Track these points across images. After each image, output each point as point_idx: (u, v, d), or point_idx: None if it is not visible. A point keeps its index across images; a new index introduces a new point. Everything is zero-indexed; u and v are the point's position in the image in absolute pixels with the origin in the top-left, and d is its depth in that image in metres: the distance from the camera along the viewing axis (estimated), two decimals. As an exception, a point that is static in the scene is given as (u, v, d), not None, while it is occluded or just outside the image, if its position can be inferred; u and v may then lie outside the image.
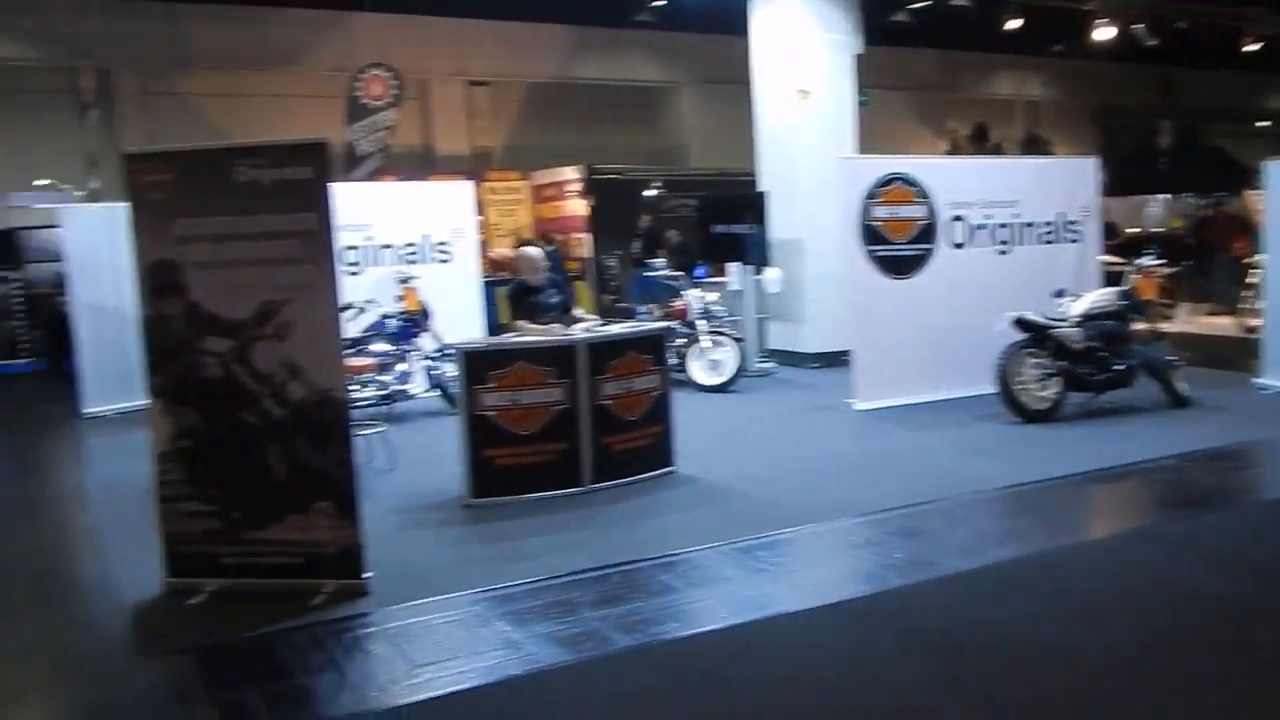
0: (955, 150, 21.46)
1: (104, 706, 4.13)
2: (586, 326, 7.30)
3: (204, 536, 5.08)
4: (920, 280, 9.42)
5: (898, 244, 9.34)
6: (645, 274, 12.12)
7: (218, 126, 16.52)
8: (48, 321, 13.79)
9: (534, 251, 7.98)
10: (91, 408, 10.28)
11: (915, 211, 9.42)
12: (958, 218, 9.57)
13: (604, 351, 6.85)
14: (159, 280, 5.05)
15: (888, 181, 9.33)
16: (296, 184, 4.92)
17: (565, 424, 6.67)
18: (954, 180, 9.68)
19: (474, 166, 18.47)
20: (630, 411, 6.93)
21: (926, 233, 9.45)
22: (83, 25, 15.69)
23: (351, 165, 15.64)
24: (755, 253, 11.52)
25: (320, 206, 4.91)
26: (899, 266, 9.36)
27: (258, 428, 5.01)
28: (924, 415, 8.79)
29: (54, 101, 16.33)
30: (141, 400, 9.55)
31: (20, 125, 16.27)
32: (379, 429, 7.47)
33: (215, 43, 16.69)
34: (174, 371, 5.09)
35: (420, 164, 18.35)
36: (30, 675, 4.53)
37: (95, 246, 10.18)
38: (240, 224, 4.99)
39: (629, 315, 10.53)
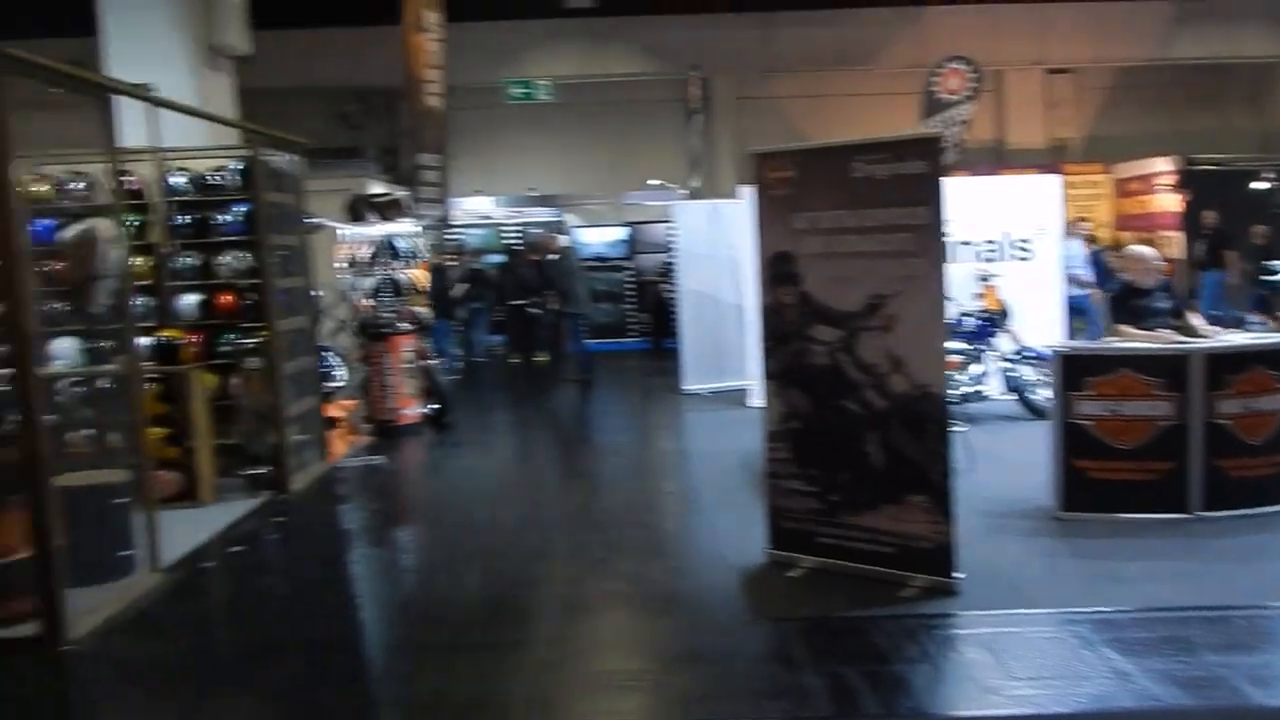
0: None
1: (722, 655, 4.53)
2: (1207, 337, 6.52)
3: (805, 514, 5.38)
4: None
5: None
6: (1264, 277, 10.55)
7: (796, 127, 17.52)
8: (651, 306, 15.68)
9: (1146, 251, 7.26)
10: (689, 385, 11.37)
11: None
12: None
13: (1224, 364, 6.08)
14: (777, 270, 5.40)
15: None
16: (911, 178, 4.95)
17: (1172, 441, 6.03)
18: None
19: (1048, 160, 17.54)
20: (1254, 434, 6.08)
21: None
22: (692, 39, 17.52)
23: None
24: None
25: (933, 200, 4.91)
26: None
27: (859, 416, 5.16)
28: None
29: (664, 108, 18.53)
30: (730, 382, 10.63)
31: (636, 131, 18.77)
32: (961, 429, 7.35)
33: (798, 47, 17.70)
34: (785, 356, 5.42)
35: (991, 158, 17.85)
36: (652, 617, 5.13)
37: (697, 239, 11.30)
38: (853, 218, 5.13)
39: (1238, 324, 9.27)
